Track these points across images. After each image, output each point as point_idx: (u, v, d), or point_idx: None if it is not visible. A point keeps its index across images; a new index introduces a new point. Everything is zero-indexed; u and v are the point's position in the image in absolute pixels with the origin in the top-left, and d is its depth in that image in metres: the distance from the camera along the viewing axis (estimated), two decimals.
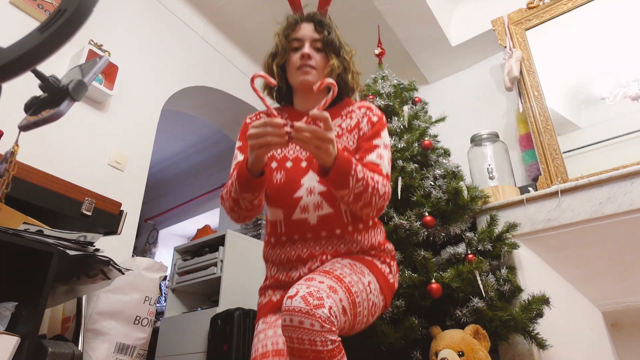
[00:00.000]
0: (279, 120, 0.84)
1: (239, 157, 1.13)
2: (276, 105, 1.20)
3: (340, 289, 0.86)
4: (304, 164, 1.07)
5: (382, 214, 1.11)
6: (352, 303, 0.88)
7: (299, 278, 1.00)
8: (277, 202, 1.07)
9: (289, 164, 1.08)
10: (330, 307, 0.79)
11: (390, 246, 1.12)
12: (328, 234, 1.02)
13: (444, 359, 1.41)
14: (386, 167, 1.06)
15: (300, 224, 1.03)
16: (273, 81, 0.93)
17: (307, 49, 1.11)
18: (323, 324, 0.76)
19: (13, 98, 1.73)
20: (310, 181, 1.04)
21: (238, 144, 1.16)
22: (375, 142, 1.07)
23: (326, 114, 0.83)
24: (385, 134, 1.11)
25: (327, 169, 0.90)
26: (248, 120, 1.19)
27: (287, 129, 0.84)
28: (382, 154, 1.06)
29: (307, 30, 1.14)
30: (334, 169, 0.89)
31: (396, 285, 1.11)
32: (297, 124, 0.83)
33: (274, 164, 1.10)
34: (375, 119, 1.11)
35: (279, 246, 1.06)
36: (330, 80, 0.87)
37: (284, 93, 1.19)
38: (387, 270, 1.07)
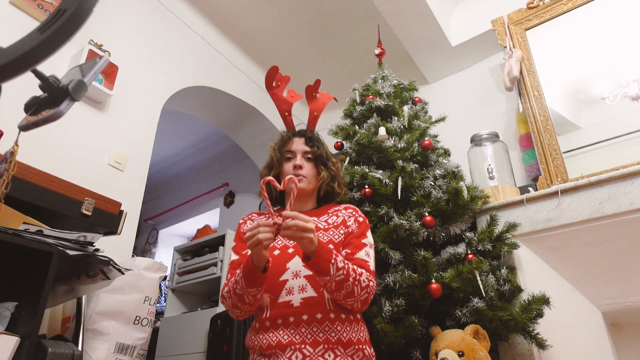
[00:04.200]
0: (267, 221, 0.98)
1: (233, 256, 1.22)
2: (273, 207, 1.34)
3: None
4: (290, 250, 1.16)
5: (366, 309, 1.17)
6: None
7: None
8: (265, 286, 1.13)
9: (276, 252, 1.17)
10: None
11: (371, 350, 1.12)
12: (309, 317, 1.06)
13: (444, 359, 1.41)
14: (373, 265, 1.16)
15: (285, 306, 1.08)
16: (280, 186, 1.07)
17: (298, 160, 1.28)
18: None
19: (13, 98, 1.73)
20: (296, 265, 1.12)
21: (233, 244, 1.27)
22: (363, 241, 1.19)
23: (294, 213, 0.98)
24: (369, 234, 1.23)
25: (310, 256, 1.00)
26: (241, 221, 1.32)
27: (277, 220, 0.98)
28: (369, 253, 1.17)
29: (298, 144, 1.31)
30: (315, 254, 0.99)
31: None
32: (284, 220, 0.97)
33: None
34: (361, 219, 1.25)
35: (262, 331, 1.10)
36: (289, 176, 1.07)
37: (277, 199, 1.35)
38: None
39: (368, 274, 1.10)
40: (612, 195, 1.77)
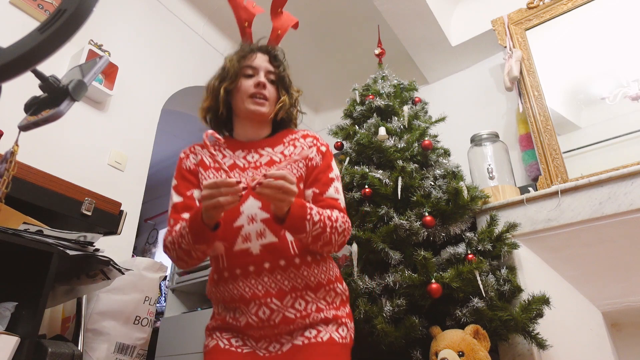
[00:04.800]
0: (232, 179, 0.84)
1: (175, 198, 1.05)
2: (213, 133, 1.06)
3: None
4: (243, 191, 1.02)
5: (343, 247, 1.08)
6: None
7: (247, 325, 0.95)
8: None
9: None
10: None
11: (343, 286, 1.04)
12: (272, 265, 0.95)
13: (444, 359, 1.41)
14: (343, 201, 1.06)
15: (242, 255, 0.96)
16: (221, 137, 0.98)
17: (262, 77, 1.10)
18: None
19: (13, 98, 1.73)
20: (251, 208, 0.98)
21: (174, 182, 1.09)
22: (330, 175, 1.07)
23: (284, 172, 0.85)
24: (334, 164, 1.11)
25: (281, 217, 0.90)
26: (182, 155, 1.15)
27: (242, 184, 0.84)
28: (337, 188, 1.06)
29: (262, 60, 1.13)
30: (289, 216, 0.88)
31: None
32: (268, 179, 0.84)
33: None
34: (324, 149, 1.11)
35: (222, 283, 0.99)
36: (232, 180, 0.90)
37: (224, 119, 1.15)
38: (346, 337, 0.98)
39: (342, 215, 1.00)
40: (612, 195, 1.77)
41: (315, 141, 1.11)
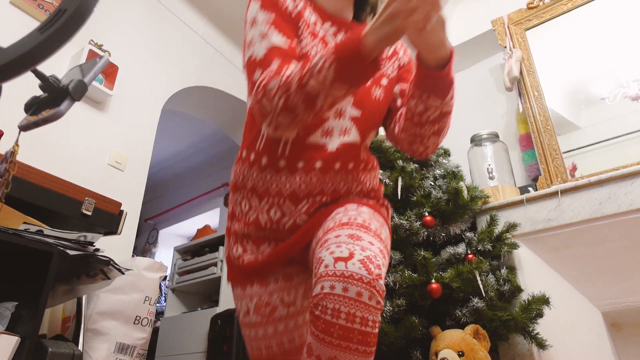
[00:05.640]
0: None
1: (276, 37, 0.77)
2: None
3: (385, 252, 0.71)
4: None
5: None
6: (386, 267, 0.71)
7: (293, 226, 0.82)
8: None
9: None
10: (384, 278, 0.64)
11: (382, 190, 0.96)
12: (341, 166, 0.83)
13: (444, 359, 1.41)
14: None
15: (314, 149, 0.81)
16: None
17: None
18: (380, 299, 0.60)
19: (13, 98, 1.73)
20: (343, 102, 0.82)
21: (266, 14, 0.81)
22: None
23: None
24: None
25: (442, 62, 0.72)
26: None
27: None
28: None
29: None
30: (450, 57, 0.72)
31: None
32: None
33: None
34: (408, 50, 0.95)
35: (272, 171, 0.82)
36: None
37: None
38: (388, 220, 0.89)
39: None
40: (612, 195, 1.77)
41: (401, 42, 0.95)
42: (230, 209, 0.91)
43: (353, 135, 0.84)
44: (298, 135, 0.81)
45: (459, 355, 1.42)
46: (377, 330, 0.60)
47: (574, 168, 2.14)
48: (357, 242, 0.65)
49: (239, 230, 0.87)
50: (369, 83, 0.85)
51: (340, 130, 0.83)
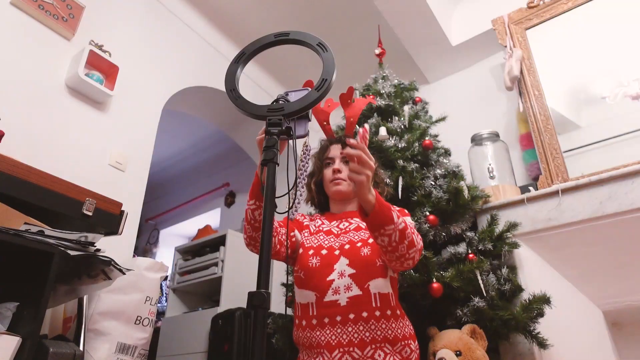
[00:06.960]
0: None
1: None
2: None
3: None
4: (337, 252, 1.19)
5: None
6: None
7: None
8: (311, 284, 1.16)
9: (324, 252, 1.20)
10: None
11: (415, 344, 1.15)
12: (356, 316, 1.08)
13: (442, 359, 1.41)
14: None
15: (331, 305, 1.10)
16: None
17: (337, 164, 1.33)
18: None
19: (13, 98, 1.73)
20: (342, 266, 1.15)
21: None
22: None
23: (362, 145, 0.95)
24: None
25: (368, 210, 0.98)
26: (300, 218, 1.35)
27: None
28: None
29: (336, 150, 1.37)
30: (377, 202, 0.97)
31: None
32: (352, 140, 0.95)
33: (311, 251, 1.22)
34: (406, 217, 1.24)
35: (309, 329, 1.12)
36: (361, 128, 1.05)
37: (323, 203, 1.41)
38: None
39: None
40: (613, 195, 1.77)
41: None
42: None
43: (355, 290, 1.10)
44: (317, 298, 1.13)
45: (457, 355, 1.43)
46: None
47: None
48: None
49: None
50: (359, 244, 1.17)
51: (344, 287, 1.11)
